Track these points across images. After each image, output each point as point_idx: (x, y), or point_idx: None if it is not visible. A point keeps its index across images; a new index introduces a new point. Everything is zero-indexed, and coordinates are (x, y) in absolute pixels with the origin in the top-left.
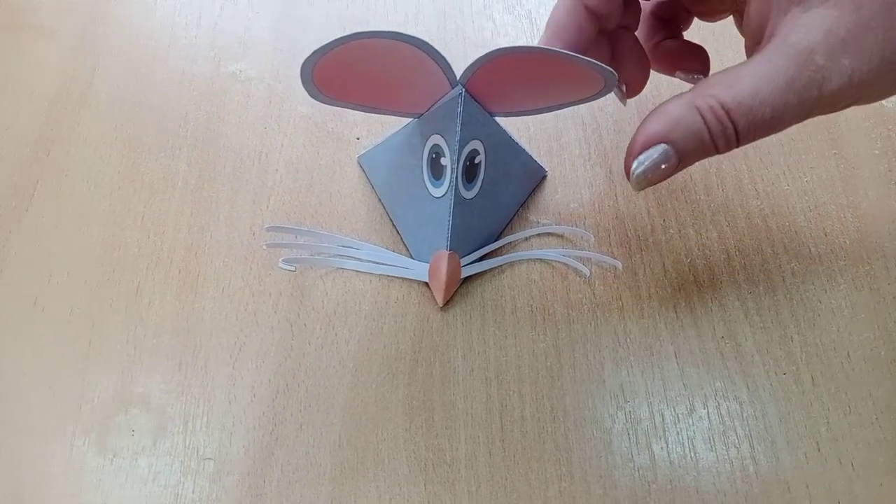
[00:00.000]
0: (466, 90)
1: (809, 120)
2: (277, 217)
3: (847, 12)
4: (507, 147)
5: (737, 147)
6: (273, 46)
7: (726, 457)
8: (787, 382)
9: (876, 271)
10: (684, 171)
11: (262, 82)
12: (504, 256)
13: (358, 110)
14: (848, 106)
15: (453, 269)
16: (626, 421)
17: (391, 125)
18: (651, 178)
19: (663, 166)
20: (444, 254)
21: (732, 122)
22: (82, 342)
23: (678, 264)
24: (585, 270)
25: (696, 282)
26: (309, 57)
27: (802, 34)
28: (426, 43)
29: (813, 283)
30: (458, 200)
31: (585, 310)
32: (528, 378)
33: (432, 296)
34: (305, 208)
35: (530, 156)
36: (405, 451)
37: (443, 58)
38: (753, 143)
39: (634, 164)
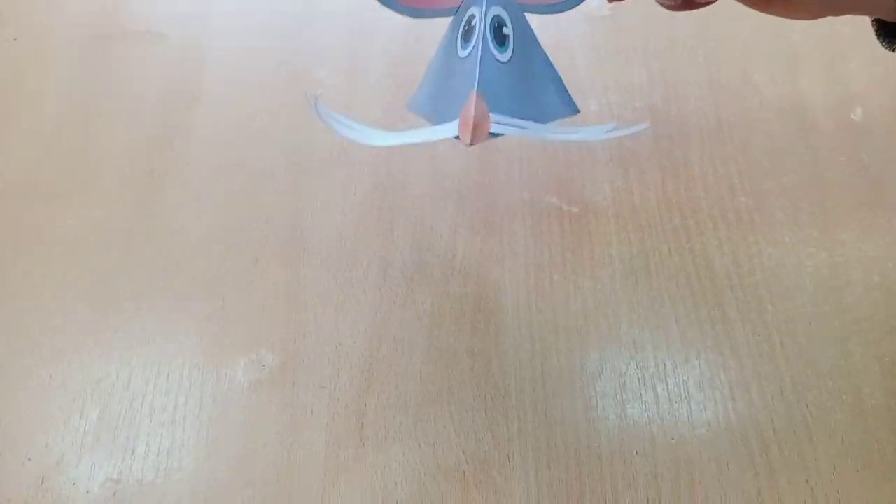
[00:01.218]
0: None
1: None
2: (363, 216)
3: None
4: (539, 57)
5: None
6: (348, 57)
7: (712, 397)
8: (760, 343)
9: (835, 259)
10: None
11: (340, 89)
12: (538, 126)
13: (403, 13)
14: None
15: (481, 109)
16: (637, 367)
17: None
18: None
19: None
20: (473, 92)
21: None
22: (216, 300)
23: (680, 250)
24: (642, 125)
25: (694, 263)
26: None
27: None
28: None
29: (785, 266)
30: (487, 49)
31: (607, 282)
32: (562, 334)
33: (489, 269)
34: (384, 199)
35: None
36: (470, 386)
37: None
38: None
39: None
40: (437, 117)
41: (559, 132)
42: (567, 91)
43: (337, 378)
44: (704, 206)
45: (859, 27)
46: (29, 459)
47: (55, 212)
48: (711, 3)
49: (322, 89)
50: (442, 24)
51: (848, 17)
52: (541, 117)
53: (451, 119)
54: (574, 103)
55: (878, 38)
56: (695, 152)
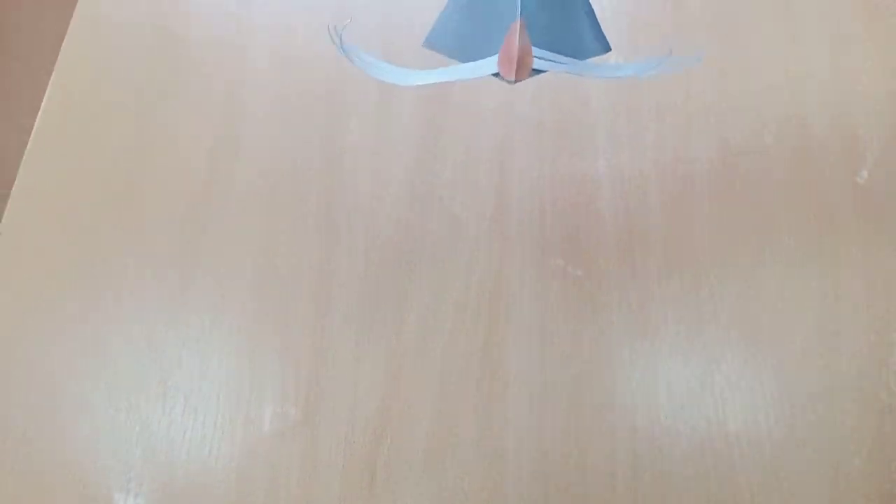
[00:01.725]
0: None
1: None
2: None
3: None
4: None
5: None
6: (377, 110)
7: (702, 464)
8: (756, 412)
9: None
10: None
11: (367, 148)
12: (580, 63)
13: None
14: None
15: (525, 41)
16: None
17: None
18: None
19: None
20: (517, 22)
21: None
22: (244, 354)
23: (679, 314)
24: (695, 59)
25: (691, 328)
26: None
27: None
28: None
29: (783, 323)
30: None
31: (604, 347)
32: (562, 395)
33: (497, 326)
34: (402, 252)
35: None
36: (472, 442)
37: None
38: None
39: None
40: (464, 54)
41: (604, 70)
42: (600, 26)
43: (352, 432)
44: (705, 267)
45: (873, 81)
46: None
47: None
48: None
49: (349, 20)
50: None
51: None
52: (578, 54)
53: (488, 54)
54: (607, 40)
55: None
56: (700, 212)
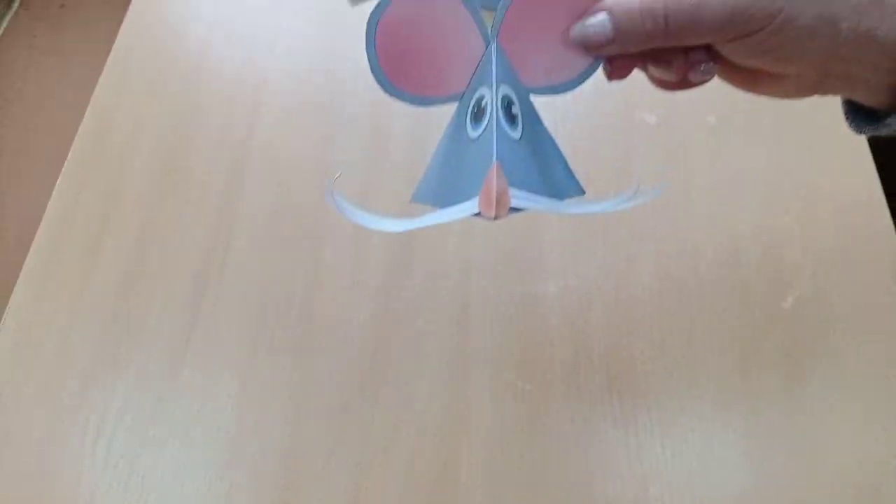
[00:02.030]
0: (498, 42)
1: None
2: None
3: None
4: (545, 137)
5: (664, 34)
6: (350, 228)
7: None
8: None
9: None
10: None
11: (345, 265)
12: (556, 202)
13: (409, 102)
14: (762, 27)
15: (502, 181)
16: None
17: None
18: (588, 38)
19: (599, 29)
20: (494, 165)
21: (664, 5)
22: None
23: (616, 429)
24: (655, 193)
25: (626, 445)
26: (375, 9)
27: None
28: None
29: (711, 453)
30: (500, 126)
31: (551, 456)
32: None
33: (458, 436)
34: (378, 351)
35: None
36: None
37: (478, 14)
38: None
39: (578, 25)
40: (448, 202)
41: (578, 206)
42: (571, 171)
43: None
44: (643, 386)
45: (805, 214)
46: None
47: None
48: (707, 81)
49: (340, 173)
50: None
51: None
52: (552, 193)
53: (468, 198)
54: (579, 183)
55: (847, 120)
56: (643, 332)
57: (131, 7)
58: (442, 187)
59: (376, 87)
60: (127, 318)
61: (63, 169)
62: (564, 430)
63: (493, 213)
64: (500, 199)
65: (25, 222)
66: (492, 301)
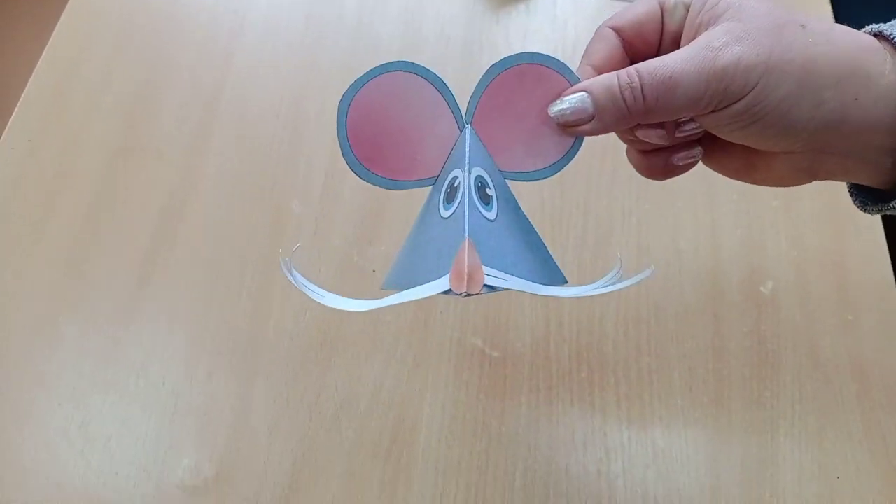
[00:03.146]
0: (472, 128)
1: None
2: (309, 328)
3: (746, 22)
4: (523, 223)
5: (644, 108)
6: (319, 183)
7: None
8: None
9: (720, 425)
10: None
11: (310, 217)
12: (533, 284)
13: (381, 185)
14: (740, 96)
15: (474, 257)
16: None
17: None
18: (567, 116)
19: (578, 105)
20: (465, 241)
21: (639, 77)
22: (167, 404)
23: (582, 401)
24: (646, 272)
25: (592, 417)
26: (346, 92)
27: (707, 35)
28: (442, 82)
29: (673, 428)
30: (473, 203)
31: (512, 426)
32: (464, 472)
33: (411, 403)
34: (331, 322)
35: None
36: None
37: (453, 99)
38: None
39: (556, 102)
40: (418, 283)
41: (559, 289)
42: (552, 259)
43: (261, 494)
44: (611, 362)
45: (785, 202)
46: None
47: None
48: (693, 164)
49: (299, 244)
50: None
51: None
52: (530, 280)
53: (439, 276)
54: (561, 272)
55: (851, 196)
56: (611, 311)
57: None
58: (412, 270)
59: (358, 34)
60: (81, 266)
61: (14, 114)
62: (528, 399)
63: (463, 288)
64: (472, 275)
65: None
66: None
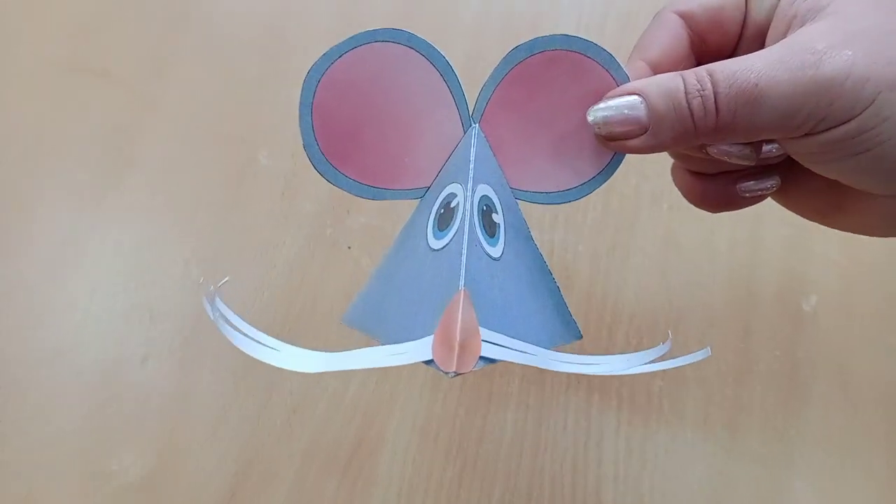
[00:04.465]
0: (480, 128)
1: None
2: (266, 312)
3: (855, 20)
4: (534, 259)
5: (715, 124)
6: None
7: None
8: None
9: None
10: None
11: (279, 174)
12: (544, 353)
13: (354, 192)
14: (849, 117)
15: (470, 318)
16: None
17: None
18: (612, 125)
19: (627, 112)
20: (460, 292)
21: (713, 82)
22: (104, 394)
23: (577, 424)
24: (701, 354)
25: (585, 443)
26: (315, 64)
27: (805, 32)
28: (447, 63)
29: (675, 466)
30: (474, 237)
31: (492, 447)
32: (430, 497)
33: (377, 413)
34: (291, 307)
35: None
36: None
37: (459, 87)
38: None
39: (597, 105)
40: (393, 334)
41: (573, 363)
42: (567, 307)
43: (204, 492)
44: (615, 381)
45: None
46: None
47: None
48: (764, 197)
49: (227, 278)
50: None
51: None
52: (540, 338)
53: (421, 335)
54: (576, 325)
55: None
56: (623, 318)
57: None
58: (383, 314)
59: None
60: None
61: None
62: (515, 416)
63: (452, 368)
64: (466, 347)
65: None
66: None
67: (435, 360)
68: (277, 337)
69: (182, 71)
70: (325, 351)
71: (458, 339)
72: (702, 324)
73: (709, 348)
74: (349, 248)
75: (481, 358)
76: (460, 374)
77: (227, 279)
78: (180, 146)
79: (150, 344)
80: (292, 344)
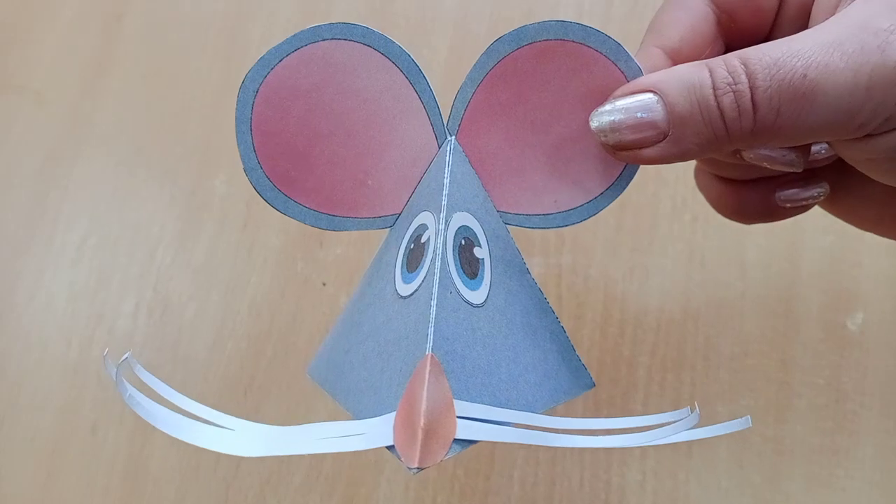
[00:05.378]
0: (458, 142)
1: None
2: (231, 365)
3: None
4: (530, 297)
5: (752, 126)
6: None
7: None
8: None
9: None
10: None
11: (240, 201)
12: (539, 434)
13: (309, 222)
14: None
15: (439, 392)
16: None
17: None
18: (621, 132)
19: (640, 114)
20: (427, 358)
21: (748, 74)
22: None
23: (595, 480)
24: (741, 422)
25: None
26: (255, 66)
27: (861, 7)
28: (414, 64)
29: None
30: (447, 280)
31: None
32: None
33: (364, 479)
34: (260, 358)
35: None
36: None
37: (430, 93)
38: None
39: (602, 107)
40: (354, 400)
41: (578, 429)
42: (575, 351)
43: None
44: (635, 396)
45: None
46: None
47: None
48: (811, 206)
49: (128, 352)
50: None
51: None
52: (538, 398)
53: (380, 411)
54: (587, 372)
55: None
56: (645, 351)
57: None
58: (342, 372)
59: None
60: None
61: None
62: (521, 475)
63: (415, 462)
64: (433, 432)
65: None
66: None
67: (396, 448)
68: (234, 401)
69: (116, 84)
70: (271, 425)
71: (421, 423)
72: (733, 354)
73: (749, 417)
74: (324, 284)
75: (456, 441)
76: (424, 466)
77: (128, 354)
78: (120, 173)
79: (99, 409)
80: (232, 415)
